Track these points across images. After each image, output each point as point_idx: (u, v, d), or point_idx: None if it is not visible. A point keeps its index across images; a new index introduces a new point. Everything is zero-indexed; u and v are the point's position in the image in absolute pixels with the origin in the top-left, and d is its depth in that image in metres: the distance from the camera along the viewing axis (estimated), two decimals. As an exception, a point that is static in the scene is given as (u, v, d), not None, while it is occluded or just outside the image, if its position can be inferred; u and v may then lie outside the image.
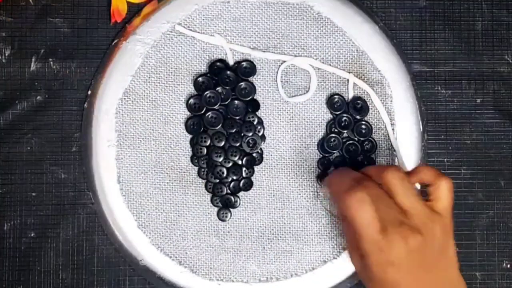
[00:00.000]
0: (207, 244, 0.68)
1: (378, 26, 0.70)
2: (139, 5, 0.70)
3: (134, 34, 0.69)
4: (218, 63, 0.69)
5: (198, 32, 0.69)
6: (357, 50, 0.69)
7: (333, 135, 0.68)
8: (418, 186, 0.65)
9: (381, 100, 0.69)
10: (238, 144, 0.68)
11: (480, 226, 0.70)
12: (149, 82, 0.69)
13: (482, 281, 0.70)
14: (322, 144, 0.69)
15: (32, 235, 0.69)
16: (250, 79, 0.69)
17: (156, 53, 0.69)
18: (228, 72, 0.68)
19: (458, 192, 0.70)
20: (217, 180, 0.68)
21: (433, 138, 0.71)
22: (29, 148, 0.69)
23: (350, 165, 0.68)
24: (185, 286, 0.68)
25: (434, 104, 0.71)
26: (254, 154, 0.68)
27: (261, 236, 0.68)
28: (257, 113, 0.69)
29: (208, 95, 0.68)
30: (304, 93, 0.69)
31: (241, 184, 0.68)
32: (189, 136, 0.68)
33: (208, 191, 0.68)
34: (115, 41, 0.70)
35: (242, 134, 0.68)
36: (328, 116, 0.69)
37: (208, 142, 0.68)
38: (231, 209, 0.68)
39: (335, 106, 0.69)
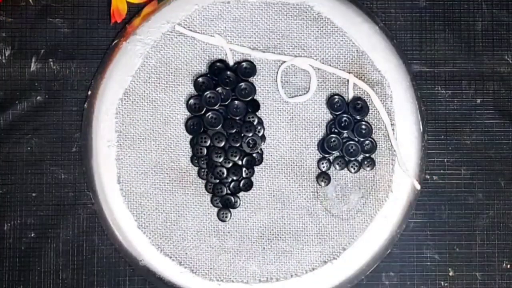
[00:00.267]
0: (207, 244, 0.68)
1: (378, 26, 0.70)
2: (139, 5, 0.70)
3: (134, 34, 0.69)
4: (218, 64, 0.68)
5: (198, 33, 0.69)
6: (357, 50, 0.69)
7: (333, 135, 0.68)
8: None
9: (381, 100, 0.69)
10: (238, 145, 0.68)
11: (480, 226, 0.70)
12: (149, 82, 0.69)
13: (482, 281, 0.70)
14: (322, 144, 0.69)
15: (32, 235, 0.69)
16: (250, 79, 0.69)
17: (156, 54, 0.69)
18: (228, 73, 0.68)
19: (458, 192, 0.70)
20: (217, 181, 0.68)
21: (433, 138, 0.71)
22: (29, 148, 0.69)
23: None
24: (185, 286, 0.68)
25: (434, 104, 0.71)
26: (254, 155, 0.68)
27: (261, 236, 0.68)
28: (257, 113, 0.69)
29: (208, 96, 0.68)
30: (304, 94, 0.69)
31: (241, 185, 0.68)
32: (189, 137, 0.68)
33: (208, 192, 0.68)
34: (115, 41, 0.70)
35: (242, 135, 0.68)
36: (328, 116, 0.69)
37: (208, 142, 0.68)
38: (231, 210, 0.68)
39: (335, 106, 0.69)
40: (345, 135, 0.69)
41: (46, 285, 0.69)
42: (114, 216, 0.68)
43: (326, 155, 0.69)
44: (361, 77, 0.69)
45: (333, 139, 0.68)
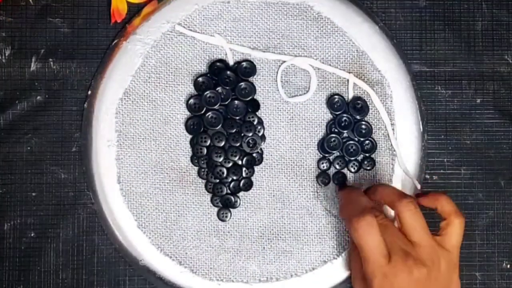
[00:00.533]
0: (207, 244, 0.68)
1: (378, 26, 0.70)
2: (139, 5, 0.70)
3: (134, 34, 0.69)
4: (218, 63, 0.68)
5: (198, 32, 0.69)
6: (357, 50, 0.69)
7: (333, 135, 0.68)
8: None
9: (381, 100, 0.69)
10: (238, 144, 0.68)
11: (480, 226, 0.70)
12: (149, 82, 0.69)
13: (482, 281, 0.70)
14: (322, 144, 0.69)
15: (32, 235, 0.69)
16: (250, 79, 0.69)
17: (156, 53, 0.69)
18: (228, 72, 0.68)
19: (458, 192, 0.70)
20: (217, 180, 0.68)
21: (433, 138, 0.71)
22: (29, 148, 0.69)
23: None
24: (185, 286, 0.68)
25: (434, 104, 0.71)
26: (254, 154, 0.68)
27: (261, 236, 0.68)
28: (257, 113, 0.69)
29: (208, 95, 0.68)
30: (304, 93, 0.69)
31: (241, 184, 0.68)
32: (189, 136, 0.68)
33: (208, 191, 0.68)
34: (115, 41, 0.70)
35: (242, 134, 0.68)
36: (328, 116, 0.69)
37: (208, 142, 0.68)
38: (231, 209, 0.68)
39: (335, 106, 0.69)
40: (345, 135, 0.69)
41: (46, 285, 0.69)
42: (114, 216, 0.68)
43: (326, 155, 0.69)
44: (361, 77, 0.69)
45: (333, 139, 0.68)
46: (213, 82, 0.68)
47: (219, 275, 0.68)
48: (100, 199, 0.69)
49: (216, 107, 0.68)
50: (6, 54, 0.70)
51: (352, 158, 0.69)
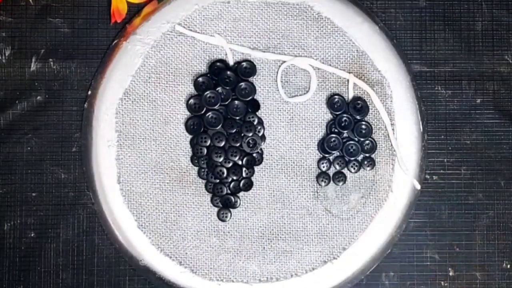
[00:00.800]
0: (207, 244, 0.68)
1: (378, 26, 0.70)
2: (139, 5, 0.70)
3: (134, 34, 0.69)
4: (218, 63, 0.68)
5: (198, 32, 0.69)
6: (357, 50, 0.69)
7: (333, 135, 0.68)
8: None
9: (381, 100, 0.69)
10: (238, 144, 0.68)
11: (480, 226, 0.70)
12: (149, 82, 0.69)
13: (482, 281, 0.70)
14: (322, 144, 0.69)
15: (32, 235, 0.69)
16: (250, 79, 0.69)
17: (156, 53, 0.69)
18: (228, 72, 0.68)
19: (458, 192, 0.70)
20: (217, 180, 0.68)
21: (433, 138, 0.71)
22: (29, 148, 0.69)
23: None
24: (185, 286, 0.68)
25: (434, 104, 0.71)
26: (254, 154, 0.68)
27: (261, 236, 0.68)
28: (257, 113, 0.69)
29: (208, 95, 0.68)
30: (304, 93, 0.69)
31: (241, 184, 0.68)
32: (189, 136, 0.68)
33: (208, 191, 0.68)
34: (115, 41, 0.70)
35: (242, 134, 0.68)
36: (328, 116, 0.69)
37: (208, 142, 0.68)
38: (231, 209, 0.68)
39: (335, 106, 0.69)
40: (345, 135, 0.69)
41: (46, 285, 0.69)
42: (114, 216, 0.68)
43: (326, 155, 0.69)
44: (361, 77, 0.69)
45: (333, 139, 0.68)
46: (213, 82, 0.68)
47: (219, 275, 0.68)
48: (100, 199, 0.69)
49: (216, 107, 0.68)
50: (6, 54, 0.70)
51: (352, 158, 0.69)
